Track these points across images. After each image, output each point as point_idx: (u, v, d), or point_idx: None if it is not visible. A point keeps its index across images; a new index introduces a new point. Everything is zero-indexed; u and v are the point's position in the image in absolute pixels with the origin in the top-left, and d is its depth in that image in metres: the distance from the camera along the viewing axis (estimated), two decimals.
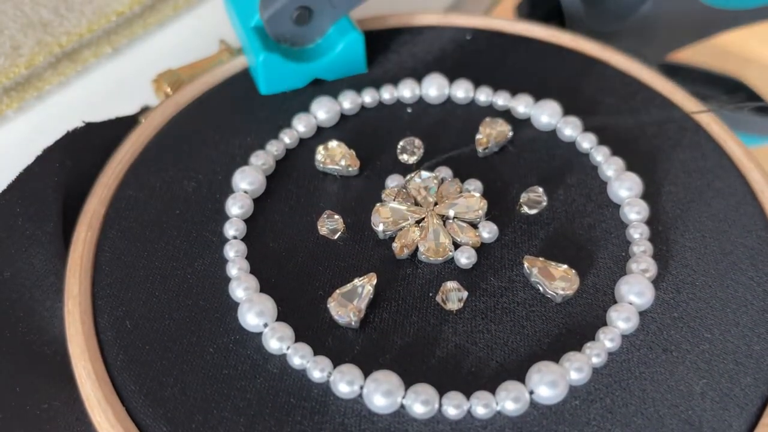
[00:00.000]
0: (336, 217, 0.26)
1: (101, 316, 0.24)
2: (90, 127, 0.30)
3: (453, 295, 0.24)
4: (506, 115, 0.30)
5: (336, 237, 0.26)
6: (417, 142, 0.28)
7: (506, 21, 0.34)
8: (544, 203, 0.26)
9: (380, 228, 0.25)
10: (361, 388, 0.22)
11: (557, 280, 0.24)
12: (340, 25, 0.30)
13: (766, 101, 0.45)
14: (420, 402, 0.21)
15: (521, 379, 0.22)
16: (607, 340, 0.23)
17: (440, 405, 0.21)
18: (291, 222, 0.27)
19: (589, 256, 0.25)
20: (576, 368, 0.22)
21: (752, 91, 0.45)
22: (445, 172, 0.27)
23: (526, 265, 0.25)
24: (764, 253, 0.26)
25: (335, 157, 0.27)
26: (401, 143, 0.28)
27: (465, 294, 0.24)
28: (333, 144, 0.28)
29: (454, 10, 0.42)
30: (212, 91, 0.31)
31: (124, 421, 0.22)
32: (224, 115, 0.30)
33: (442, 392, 0.22)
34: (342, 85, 0.30)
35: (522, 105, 0.29)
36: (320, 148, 0.28)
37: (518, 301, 0.24)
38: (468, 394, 0.22)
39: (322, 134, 0.29)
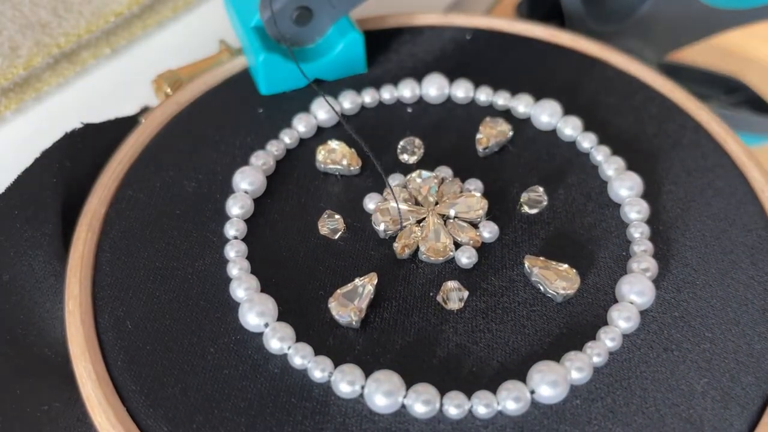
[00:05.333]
0: (336, 216, 0.26)
1: (102, 317, 0.24)
2: (88, 128, 0.30)
3: (454, 295, 0.24)
4: (506, 114, 0.30)
5: (336, 237, 0.26)
6: (417, 141, 0.28)
7: (506, 21, 0.34)
8: (545, 203, 0.26)
9: (381, 227, 0.25)
10: (362, 388, 0.22)
11: (558, 280, 0.24)
12: (340, 25, 0.30)
13: (766, 101, 0.45)
14: (421, 402, 0.21)
15: (522, 378, 0.22)
16: (608, 340, 0.23)
17: (441, 405, 0.21)
18: (292, 222, 0.27)
19: (589, 255, 0.25)
20: (577, 368, 0.22)
21: (752, 91, 0.45)
22: (445, 171, 0.27)
23: (526, 264, 0.25)
24: (765, 251, 0.26)
25: (336, 156, 0.27)
26: (401, 143, 0.28)
27: (466, 294, 0.24)
28: (334, 144, 0.28)
29: (454, 10, 0.42)
30: (212, 91, 0.31)
31: (125, 421, 0.22)
32: (224, 115, 0.30)
33: (443, 392, 0.22)
34: (342, 85, 0.30)
35: (522, 105, 0.29)
36: (321, 149, 0.28)
37: (519, 300, 0.24)
38: (469, 394, 0.22)
39: (322, 134, 0.29)
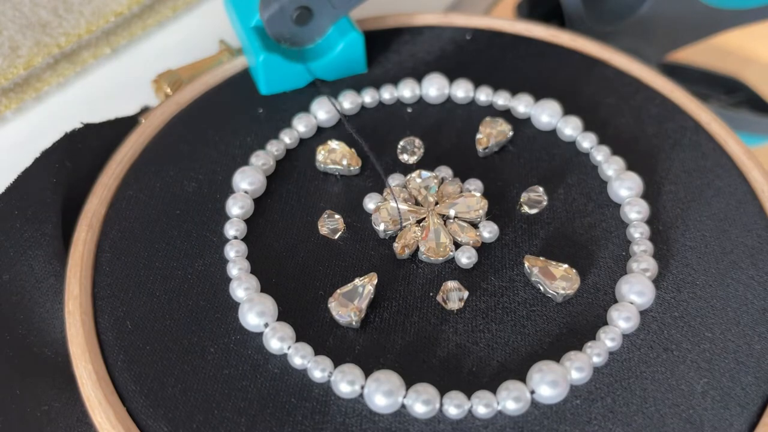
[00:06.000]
0: (336, 216, 0.26)
1: (102, 317, 0.24)
2: (89, 128, 0.30)
3: (454, 295, 0.24)
4: (506, 114, 0.30)
5: (336, 237, 0.26)
6: (417, 141, 0.28)
7: (506, 21, 0.34)
8: (545, 203, 0.26)
9: (381, 227, 0.25)
10: (362, 387, 0.22)
11: (558, 280, 0.24)
12: (340, 25, 0.30)
13: (766, 101, 0.45)
14: (421, 402, 0.21)
15: (522, 378, 0.22)
16: (607, 340, 0.23)
17: (441, 405, 0.21)
18: (291, 222, 0.27)
19: (589, 255, 0.25)
20: (577, 368, 0.22)
21: (752, 91, 0.45)
22: (445, 171, 0.27)
23: (526, 264, 0.25)
24: (765, 252, 0.26)
25: (336, 156, 0.27)
26: (401, 143, 0.28)
27: (465, 293, 0.24)
28: (334, 144, 0.28)
29: (453, 10, 0.42)
30: (212, 91, 0.31)
31: (125, 421, 0.22)
32: (224, 115, 0.30)
33: (443, 392, 0.22)
34: (342, 85, 0.30)
35: (522, 105, 0.29)
36: (321, 149, 0.28)
37: (519, 300, 0.24)
38: (469, 394, 0.22)
39: (322, 134, 0.29)
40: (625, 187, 0.27)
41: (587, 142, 0.28)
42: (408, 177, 0.27)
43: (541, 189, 0.27)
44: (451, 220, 0.26)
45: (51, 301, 0.27)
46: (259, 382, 0.22)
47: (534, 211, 0.26)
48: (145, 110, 0.31)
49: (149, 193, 0.27)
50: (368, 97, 0.30)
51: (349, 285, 0.24)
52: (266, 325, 0.23)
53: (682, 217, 0.27)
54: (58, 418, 0.26)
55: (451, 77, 0.30)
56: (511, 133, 0.29)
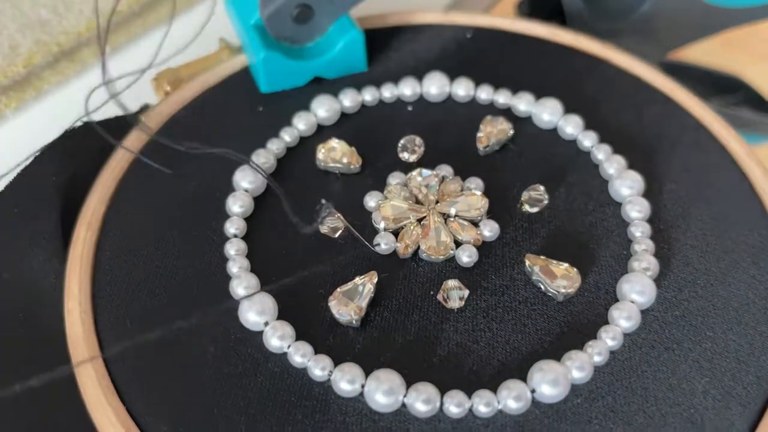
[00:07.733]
0: (336, 215, 0.26)
1: (101, 316, 0.24)
2: (88, 127, 0.30)
3: (454, 294, 0.24)
4: (507, 113, 0.30)
5: (337, 235, 0.26)
6: (417, 140, 0.28)
7: (507, 19, 0.34)
8: (546, 201, 0.26)
9: (381, 226, 0.25)
10: (362, 386, 0.22)
11: (559, 279, 0.24)
12: (341, 24, 0.30)
13: (767, 100, 0.45)
14: (421, 401, 0.21)
15: (523, 377, 0.22)
16: (608, 339, 0.23)
17: (442, 404, 0.21)
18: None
19: (590, 254, 0.25)
20: (578, 367, 0.22)
21: (753, 90, 0.45)
22: (446, 170, 0.27)
23: (527, 263, 0.25)
24: (766, 251, 0.26)
25: (337, 155, 0.27)
26: (402, 141, 0.28)
27: (466, 292, 0.24)
28: (334, 142, 0.28)
29: (454, 9, 0.42)
30: (212, 89, 0.31)
31: (125, 421, 0.22)
32: (224, 114, 0.30)
33: (443, 391, 0.22)
34: (342, 84, 0.30)
35: (523, 103, 0.29)
36: (321, 147, 0.28)
37: (520, 299, 0.24)
38: (469, 393, 0.21)
39: (322, 133, 0.29)
40: (626, 185, 0.27)
41: (588, 140, 0.28)
42: (408, 175, 0.27)
43: (541, 187, 0.26)
44: (452, 219, 0.26)
45: (51, 300, 0.27)
46: (258, 381, 0.22)
47: (535, 209, 0.26)
48: (145, 109, 0.31)
49: (149, 193, 0.27)
50: (369, 95, 0.30)
51: (349, 284, 0.24)
52: (266, 323, 0.23)
53: (683, 216, 0.27)
54: (58, 416, 0.26)
55: (452, 75, 0.30)
56: (511, 132, 0.29)
